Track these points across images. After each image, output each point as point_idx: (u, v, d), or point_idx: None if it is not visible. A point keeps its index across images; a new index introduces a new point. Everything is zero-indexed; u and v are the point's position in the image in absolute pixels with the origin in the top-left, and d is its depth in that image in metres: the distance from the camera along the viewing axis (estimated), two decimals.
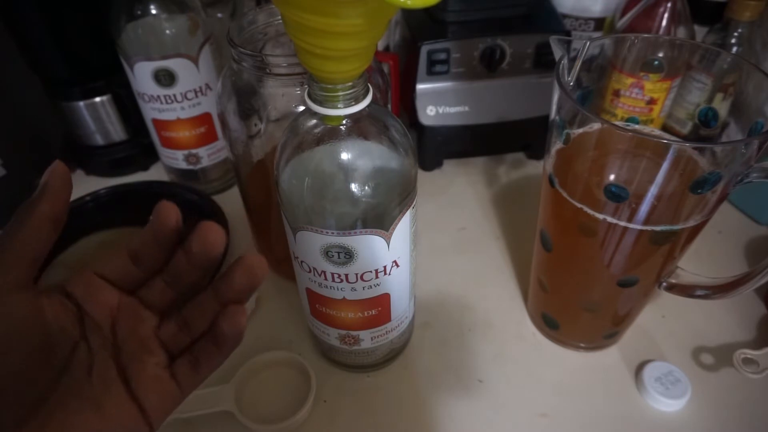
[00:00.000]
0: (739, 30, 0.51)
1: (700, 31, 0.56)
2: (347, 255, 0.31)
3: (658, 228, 0.31)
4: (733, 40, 0.52)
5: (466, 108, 0.55)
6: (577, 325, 0.42)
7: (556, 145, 0.34)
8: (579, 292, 0.39)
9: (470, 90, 0.55)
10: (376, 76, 0.39)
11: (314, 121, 0.29)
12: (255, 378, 0.41)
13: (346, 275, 0.32)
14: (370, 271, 0.32)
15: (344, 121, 0.28)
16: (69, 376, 0.23)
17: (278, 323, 0.45)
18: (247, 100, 0.37)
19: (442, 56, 0.53)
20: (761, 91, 0.31)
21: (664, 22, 0.52)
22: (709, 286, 0.35)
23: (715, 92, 0.37)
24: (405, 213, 0.31)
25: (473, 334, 0.44)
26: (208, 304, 0.25)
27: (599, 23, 0.62)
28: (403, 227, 0.31)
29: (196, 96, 0.51)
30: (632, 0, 0.60)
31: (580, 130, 0.33)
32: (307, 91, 0.27)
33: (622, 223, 0.32)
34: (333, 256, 0.31)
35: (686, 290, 0.36)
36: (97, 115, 0.57)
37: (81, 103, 0.55)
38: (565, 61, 0.33)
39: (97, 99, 0.56)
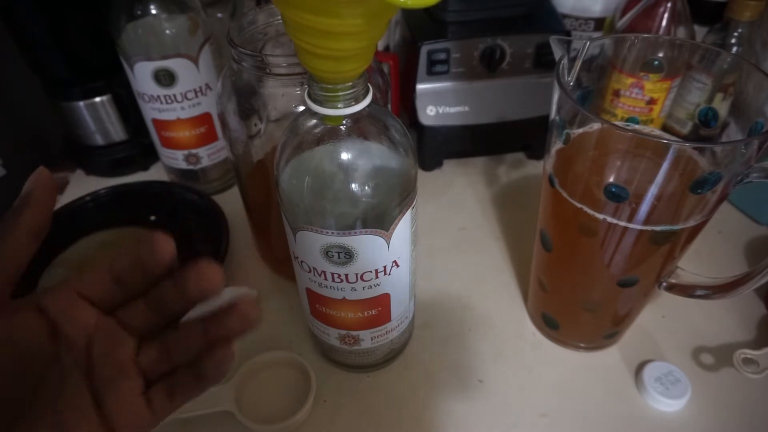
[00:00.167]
0: (739, 30, 0.51)
1: (700, 31, 0.56)
2: (347, 255, 0.31)
3: (658, 228, 0.31)
4: (733, 40, 0.52)
5: (466, 108, 0.55)
6: (577, 325, 0.42)
7: (556, 145, 0.34)
8: (579, 292, 0.39)
9: (470, 90, 0.55)
10: (376, 76, 0.39)
11: (314, 121, 0.29)
12: (255, 378, 0.41)
13: (346, 275, 0.32)
14: (370, 271, 0.32)
15: (344, 121, 0.28)
16: (39, 398, 0.22)
17: (278, 323, 0.45)
18: (247, 100, 0.37)
19: (442, 56, 0.53)
20: (761, 91, 0.31)
21: (664, 22, 0.52)
22: (709, 286, 0.35)
23: (715, 92, 0.37)
24: (405, 213, 0.31)
25: (473, 334, 0.44)
26: (195, 339, 0.24)
27: (599, 23, 0.62)
28: (403, 227, 0.31)
29: (196, 96, 0.51)
30: (632, 0, 0.60)
31: (580, 130, 0.33)
32: (307, 91, 0.27)
33: (622, 223, 0.32)
34: (333, 256, 0.31)
35: (686, 290, 0.36)
36: (97, 115, 0.57)
37: (81, 103, 0.55)
38: (565, 61, 0.33)
39: (97, 99, 0.56)
